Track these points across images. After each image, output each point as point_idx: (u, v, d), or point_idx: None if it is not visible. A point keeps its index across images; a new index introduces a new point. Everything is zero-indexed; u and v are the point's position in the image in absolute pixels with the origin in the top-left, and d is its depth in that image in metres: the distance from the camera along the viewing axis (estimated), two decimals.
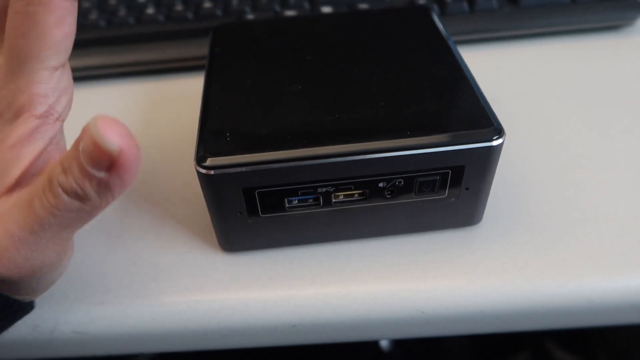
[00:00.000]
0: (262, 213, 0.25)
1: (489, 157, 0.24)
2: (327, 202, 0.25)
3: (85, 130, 0.17)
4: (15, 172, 0.21)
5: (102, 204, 0.19)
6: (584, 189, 0.29)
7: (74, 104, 0.24)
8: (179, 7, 0.41)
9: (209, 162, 0.22)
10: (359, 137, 0.23)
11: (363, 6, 0.41)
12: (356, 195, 0.25)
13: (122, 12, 0.41)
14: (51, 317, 0.25)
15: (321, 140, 0.23)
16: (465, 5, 0.40)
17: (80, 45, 0.39)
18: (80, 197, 0.19)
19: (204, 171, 0.22)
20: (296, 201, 0.25)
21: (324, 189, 0.24)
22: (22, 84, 0.21)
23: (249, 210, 0.24)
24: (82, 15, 0.41)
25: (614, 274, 0.25)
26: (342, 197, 0.25)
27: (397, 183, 0.24)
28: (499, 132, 0.23)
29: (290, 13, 0.40)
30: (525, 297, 0.25)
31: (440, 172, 0.24)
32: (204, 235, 0.28)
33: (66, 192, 0.18)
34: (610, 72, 0.37)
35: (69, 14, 0.20)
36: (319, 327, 0.25)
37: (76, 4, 0.21)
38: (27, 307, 0.24)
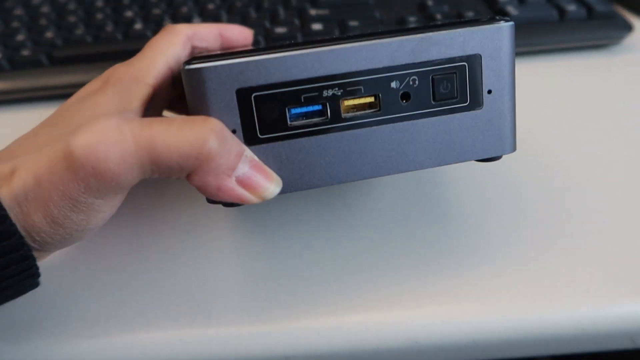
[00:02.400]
0: (261, 133, 0.22)
1: (502, 42, 0.22)
2: (336, 116, 0.22)
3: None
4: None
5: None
6: (575, 214, 0.29)
7: None
8: (167, 23, 0.40)
9: (199, 63, 0.21)
10: (364, 34, 0.22)
11: (353, 24, 0.41)
12: (368, 107, 0.22)
13: (110, 27, 0.40)
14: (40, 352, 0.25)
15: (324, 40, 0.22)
16: None
17: (67, 61, 0.39)
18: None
19: (192, 66, 0.20)
20: (300, 115, 0.22)
21: (330, 92, 0.22)
22: None
23: (246, 127, 0.21)
24: (68, 29, 0.40)
25: (605, 301, 0.25)
26: (352, 109, 0.22)
27: (411, 82, 0.22)
28: (507, 21, 0.22)
29: (280, 30, 0.40)
30: (517, 325, 0.25)
31: (455, 65, 0.22)
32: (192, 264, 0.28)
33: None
34: (598, 90, 0.38)
35: None
36: (312, 358, 0.25)
37: None
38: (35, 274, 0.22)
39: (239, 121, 0.21)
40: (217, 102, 0.21)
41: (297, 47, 0.21)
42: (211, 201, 0.22)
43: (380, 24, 0.41)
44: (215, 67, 0.21)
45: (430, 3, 0.42)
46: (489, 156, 0.24)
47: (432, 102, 0.22)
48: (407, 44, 0.21)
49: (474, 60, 0.22)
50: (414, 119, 0.23)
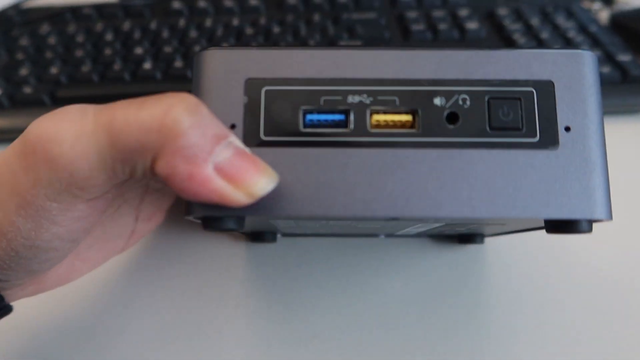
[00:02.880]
0: (265, 134, 0.18)
1: (581, 72, 0.18)
2: (361, 129, 0.18)
3: None
4: None
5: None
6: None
7: None
8: (178, 64, 0.38)
9: (213, 49, 0.18)
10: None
11: None
12: (403, 125, 0.18)
13: (118, 65, 0.38)
14: None
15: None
16: None
17: (70, 102, 0.37)
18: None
19: (204, 51, 0.18)
20: (317, 121, 0.18)
21: (356, 98, 0.18)
22: None
23: (248, 123, 0.18)
24: (75, 65, 0.38)
25: None
26: (382, 120, 0.18)
27: (460, 101, 0.18)
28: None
29: None
30: None
31: (520, 90, 0.18)
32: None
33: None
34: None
35: None
36: None
37: None
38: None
39: (241, 115, 0.18)
40: (222, 90, 0.18)
41: (326, 47, 0.19)
42: (189, 212, 0.18)
43: None
44: (229, 52, 0.18)
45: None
46: (567, 217, 0.18)
47: (488, 129, 0.18)
48: (458, 56, 0.18)
49: (544, 88, 0.18)
50: (462, 147, 0.18)
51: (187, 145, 0.16)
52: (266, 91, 0.18)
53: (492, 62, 0.18)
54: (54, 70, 0.38)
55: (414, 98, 0.18)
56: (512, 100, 0.18)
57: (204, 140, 0.16)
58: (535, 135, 0.18)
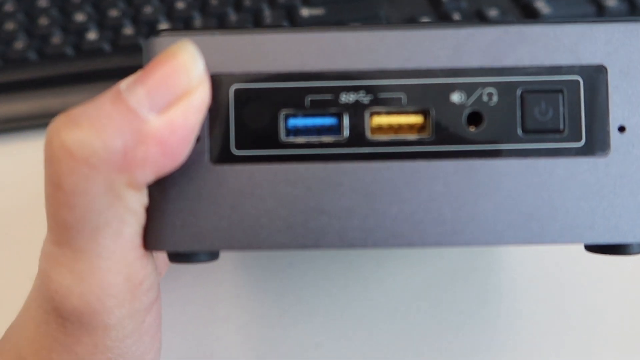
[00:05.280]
0: (237, 146, 0.15)
1: None
2: (359, 137, 0.15)
3: None
4: None
5: None
6: None
7: None
8: (128, 30, 0.33)
9: (165, 35, 0.15)
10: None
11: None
12: (411, 129, 0.15)
13: (57, 38, 0.33)
14: None
15: None
16: None
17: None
18: None
19: (153, 39, 0.15)
20: (301, 129, 0.15)
21: (351, 96, 0.14)
22: None
23: (215, 136, 0.15)
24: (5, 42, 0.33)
25: None
26: (385, 123, 0.15)
27: (485, 96, 0.14)
28: None
29: None
30: None
31: (562, 79, 0.14)
32: None
33: None
34: None
35: None
36: None
37: None
38: None
39: (205, 123, 0.14)
40: None
41: (311, 29, 0.14)
42: (150, 245, 0.15)
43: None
44: (185, 40, 0.14)
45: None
46: (617, 241, 0.15)
47: (520, 133, 0.15)
48: (481, 35, 0.14)
49: (594, 75, 0.14)
50: (486, 157, 0.14)
51: (114, 147, 0.13)
52: (236, 91, 0.14)
53: (525, 43, 0.14)
54: None
55: (425, 94, 0.14)
56: (552, 93, 0.14)
57: (114, 125, 0.13)
58: (580, 139, 0.15)
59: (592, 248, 0.15)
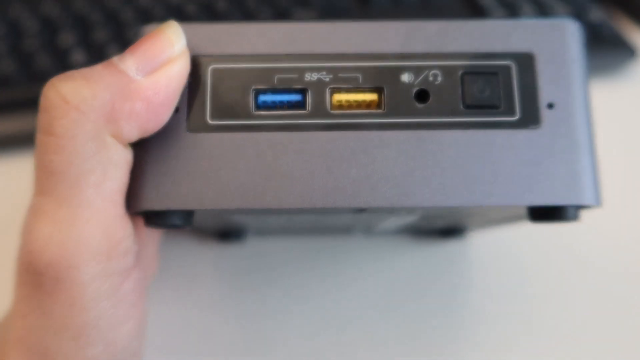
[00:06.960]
0: (211, 117, 0.17)
1: (565, 44, 0.17)
2: (321, 110, 0.17)
3: None
4: None
5: None
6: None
7: None
8: (113, 51, 0.34)
9: (148, 26, 0.17)
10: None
11: None
12: (367, 106, 0.17)
13: (43, 58, 0.33)
14: None
15: None
16: None
17: None
18: None
19: (142, 28, 0.17)
20: (270, 103, 0.17)
21: (314, 76, 0.17)
22: None
23: (193, 107, 0.17)
24: None
25: None
26: (344, 100, 0.17)
27: (430, 77, 0.17)
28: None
29: None
30: None
31: (498, 63, 0.17)
32: None
33: None
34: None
35: None
36: None
37: None
38: None
39: (185, 97, 0.17)
40: None
41: (280, 21, 0.17)
42: (130, 205, 0.17)
43: None
44: None
45: None
46: (552, 203, 0.16)
47: (462, 108, 0.17)
48: (428, 27, 0.17)
49: (524, 60, 0.17)
50: (433, 128, 0.16)
51: (103, 98, 0.15)
52: (212, 70, 0.17)
53: (465, 34, 0.17)
54: None
55: (379, 74, 0.17)
56: (488, 75, 0.17)
57: (104, 81, 0.15)
58: (514, 114, 0.17)
59: (535, 215, 0.17)
